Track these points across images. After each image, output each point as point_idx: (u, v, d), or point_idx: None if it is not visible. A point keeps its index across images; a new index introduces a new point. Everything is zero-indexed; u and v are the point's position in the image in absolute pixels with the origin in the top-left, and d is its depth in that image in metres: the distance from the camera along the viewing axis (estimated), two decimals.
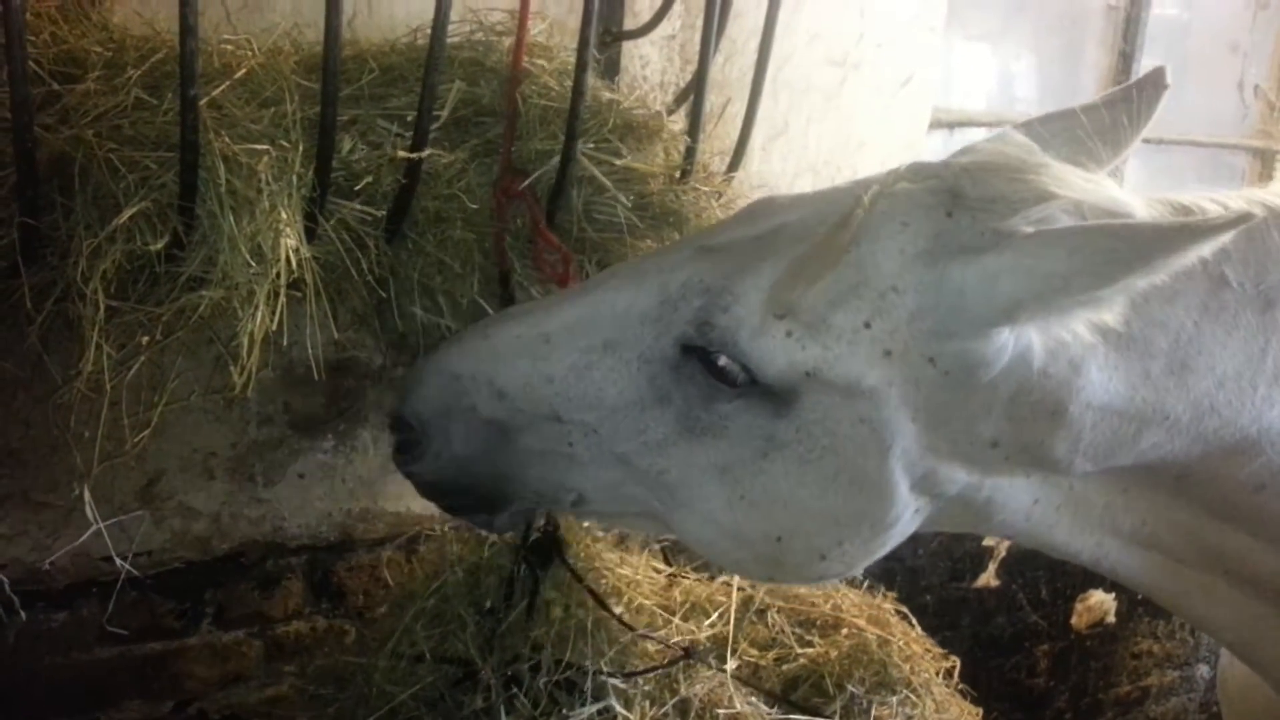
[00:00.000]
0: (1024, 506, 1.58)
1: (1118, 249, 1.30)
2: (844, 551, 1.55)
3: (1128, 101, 1.70)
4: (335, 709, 2.26)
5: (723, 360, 1.48)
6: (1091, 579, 4.64)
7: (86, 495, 1.97)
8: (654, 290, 1.58)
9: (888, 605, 2.61)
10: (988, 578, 4.27)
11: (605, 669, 2.10)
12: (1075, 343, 1.42)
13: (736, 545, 1.58)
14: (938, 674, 2.46)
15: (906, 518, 1.55)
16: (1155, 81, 1.71)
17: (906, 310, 1.42)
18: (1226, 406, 1.49)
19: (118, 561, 2.15)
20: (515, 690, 2.04)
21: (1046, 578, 4.49)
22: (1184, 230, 1.27)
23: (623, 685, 2.10)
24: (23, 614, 2.32)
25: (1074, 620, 4.66)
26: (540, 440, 1.64)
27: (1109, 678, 4.88)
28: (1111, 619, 4.77)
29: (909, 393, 1.44)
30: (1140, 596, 4.78)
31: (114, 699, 2.69)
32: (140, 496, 2.62)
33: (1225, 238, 1.27)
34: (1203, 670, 5.17)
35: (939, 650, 2.56)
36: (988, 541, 4.22)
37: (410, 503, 2.99)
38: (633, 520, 1.77)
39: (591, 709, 2.05)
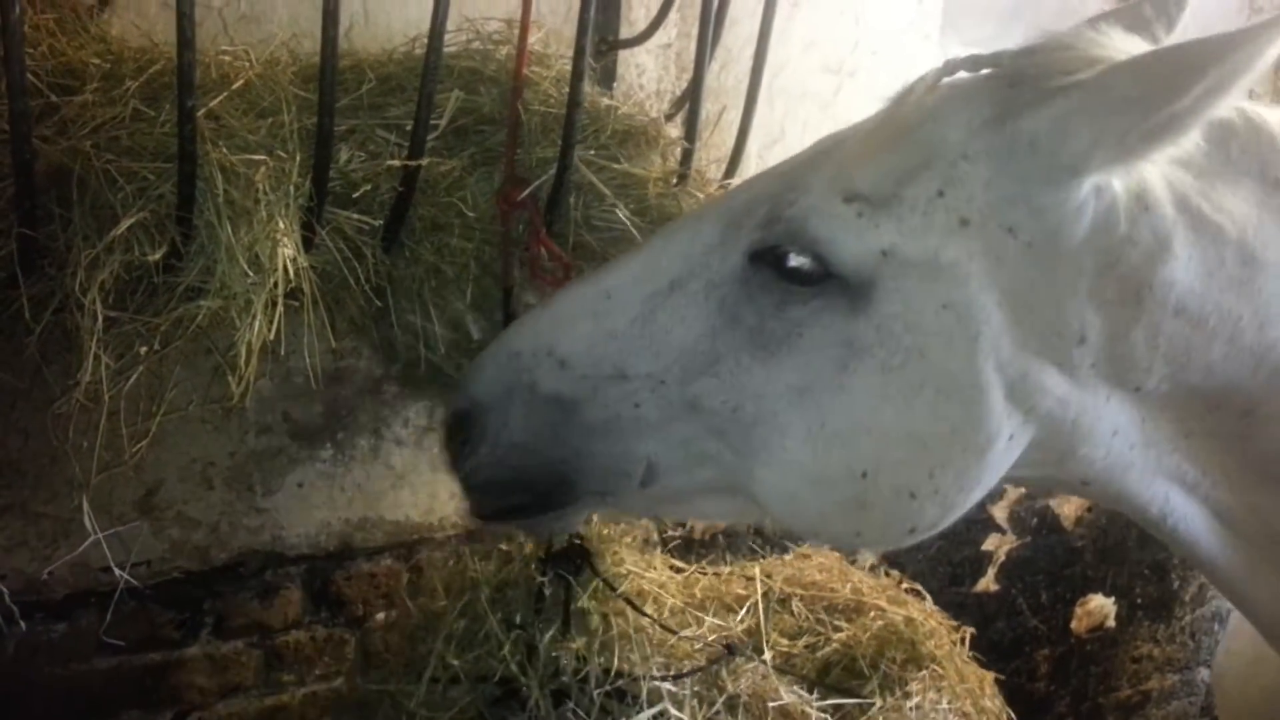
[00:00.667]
0: (1105, 437, 1.50)
1: (1188, 57, 1.26)
2: (935, 487, 1.44)
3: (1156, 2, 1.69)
4: None
5: (793, 258, 1.42)
6: (1091, 583, 4.64)
7: (85, 505, 1.98)
8: (715, 218, 1.54)
9: (903, 585, 2.67)
10: (987, 582, 4.27)
11: (655, 673, 2.10)
12: (1157, 210, 1.37)
13: (818, 491, 1.47)
14: (954, 644, 2.53)
15: (1003, 440, 1.44)
16: None
17: (980, 178, 1.37)
18: None
19: (116, 572, 2.15)
20: (567, 703, 2.03)
21: (1046, 582, 4.49)
22: (1257, 28, 1.22)
23: (674, 688, 2.09)
24: (22, 624, 2.33)
25: (1074, 624, 4.65)
26: (604, 409, 1.54)
27: (1109, 682, 4.88)
28: (1111, 623, 4.76)
29: (992, 271, 1.37)
30: (1140, 600, 4.79)
31: (113, 710, 2.69)
32: (139, 506, 2.62)
33: None
34: (1203, 674, 5.16)
35: (951, 624, 2.63)
36: (988, 546, 4.22)
37: (409, 511, 2.99)
38: (705, 500, 1.64)
39: (648, 714, 2.04)
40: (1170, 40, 1.65)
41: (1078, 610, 4.64)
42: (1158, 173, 1.38)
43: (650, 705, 2.05)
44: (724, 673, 2.18)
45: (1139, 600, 4.81)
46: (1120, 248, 1.37)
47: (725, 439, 1.51)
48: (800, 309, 1.43)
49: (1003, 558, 4.28)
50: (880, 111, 1.59)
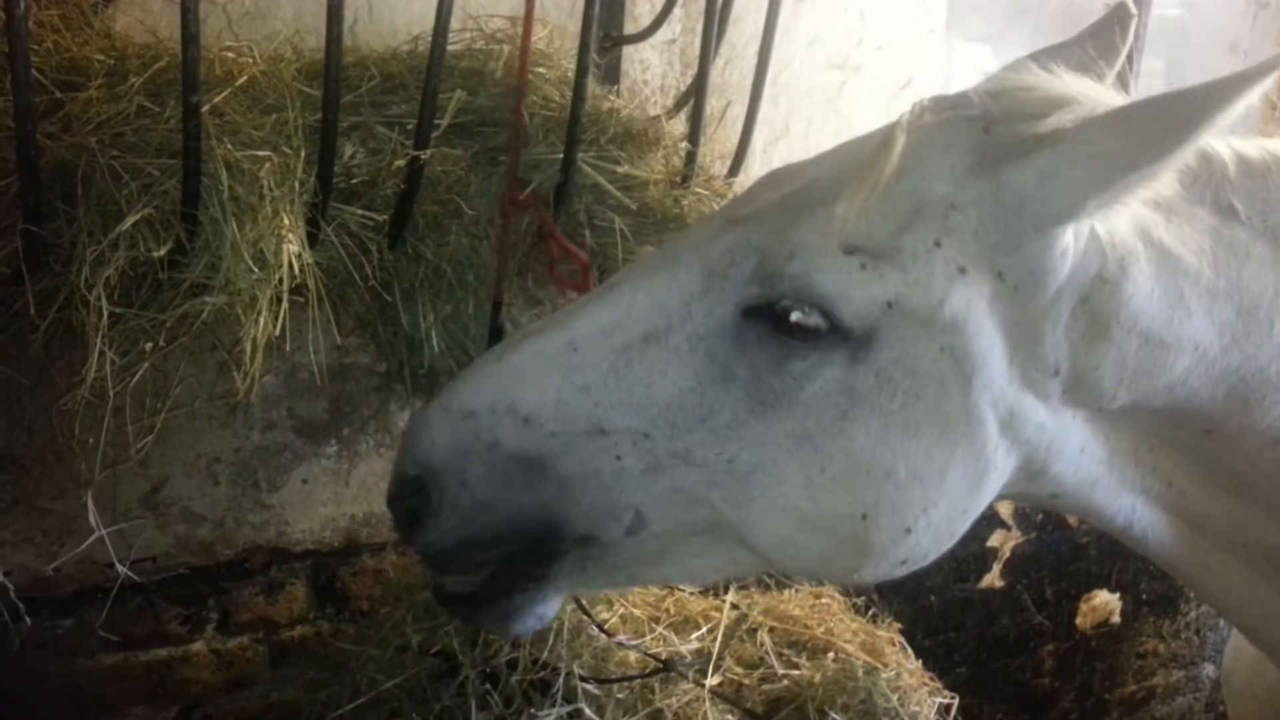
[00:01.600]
0: (1073, 455, 1.55)
1: (1173, 113, 1.30)
2: (930, 521, 1.47)
3: (1104, 33, 1.75)
4: (327, 694, 2.28)
5: (795, 313, 1.41)
6: (1095, 579, 4.63)
7: (89, 502, 1.98)
8: (695, 266, 1.49)
9: (884, 634, 2.54)
10: (992, 579, 4.27)
11: (580, 672, 2.08)
12: (1125, 245, 1.43)
13: (818, 534, 1.47)
14: (934, 712, 2.36)
15: (996, 469, 1.49)
16: (1123, 12, 1.76)
17: (970, 227, 1.41)
18: (1246, 339, 1.49)
19: (121, 568, 2.15)
20: (489, 687, 2.04)
21: (1051, 578, 4.49)
22: (1236, 78, 1.27)
23: (595, 690, 2.08)
24: (28, 620, 2.33)
25: (1079, 620, 4.65)
26: (581, 463, 1.48)
27: (1114, 678, 4.87)
28: (1116, 619, 4.76)
29: (986, 313, 1.42)
30: (1145, 596, 4.79)
31: (119, 705, 2.70)
32: (144, 502, 2.62)
33: (1274, 75, 1.27)
34: (1209, 669, 5.15)
35: (936, 684, 2.48)
36: (992, 542, 4.22)
37: None
38: (698, 546, 1.58)
39: (561, 710, 2.03)
40: (1110, 78, 1.71)
41: (1083, 606, 4.64)
42: (1126, 209, 1.43)
43: (567, 702, 2.04)
44: (657, 687, 2.14)
45: (1144, 596, 4.80)
46: (1093, 284, 1.43)
47: (719, 487, 1.49)
48: (800, 363, 1.42)
49: (1008, 554, 4.28)
50: (844, 150, 1.60)
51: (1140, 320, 1.46)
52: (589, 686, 2.09)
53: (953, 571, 4.11)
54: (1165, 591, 4.83)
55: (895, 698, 2.28)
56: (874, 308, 1.40)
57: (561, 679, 2.05)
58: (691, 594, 2.50)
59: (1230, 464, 1.59)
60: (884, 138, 1.47)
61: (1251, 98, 1.27)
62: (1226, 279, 1.48)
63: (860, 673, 2.32)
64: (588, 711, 2.05)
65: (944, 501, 1.47)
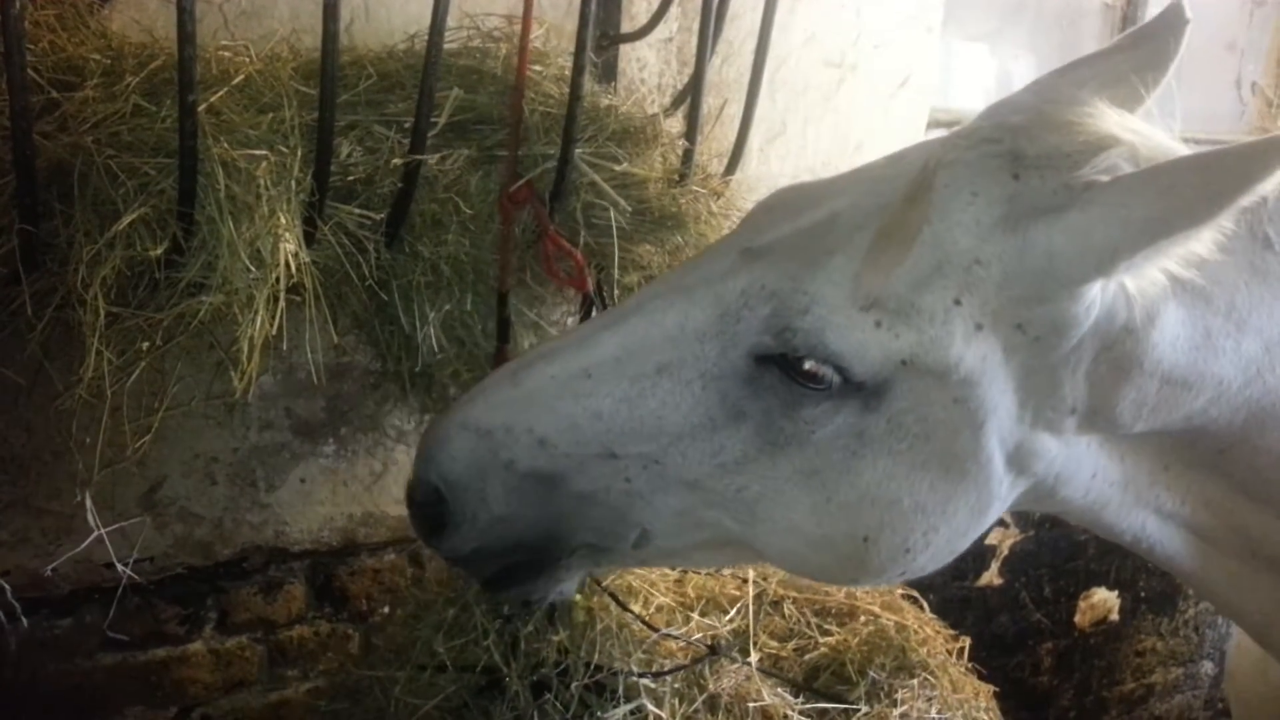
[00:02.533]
0: (1084, 480, 1.55)
1: (1211, 180, 1.26)
2: (929, 542, 1.49)
3: (1150, 40, 1.66)
4: None
5: (809, 364, 1.41)
6: (1094, 576, 4.64)
7: (88, 501, 1.98)
8: (708, 303, 1.49)
9: (898, 590, 2.63)
10: (991, 576, 4.27)
11: (635, 670, 2.10)
12: (1151, 292, 1.39)
13: (820, 551, 1.52)
14: (950, 654, 2.50)
15: (1001, 497, 1.50)
16: (1176, 16, 1.65)
17: (993, 281, 1.38)
18: (1270, 373, 1.47)
19: (119, 567, 2.15)
20: (546, 696, 2.03)
21: (1050, 576, 4.49)
22: (1271, 146, 1.22)
23: (653, 685, 2.10)
24: (24, 620, 2.33)
25: (1077, 618, 4.65)
26: (592, 482, 1.53)
27: (1113, 675, 4.88)
28: (1115, 616, 4.76)
29: (1001, 363, 1.41)
30: (1144, 594, 4.79)
31: (117, 705, 2.70)
32: (142, 502, 2.62)
33: None
34: (1207, 667, 5.16)
35: (949, 632, 2.60)
36: (991, 540, 4.22)
37: None
38: (702, 553, 1.67)
39: (624, 709, 2.04)
40: (1155, 93, 1.64)
41: (1081, 604, 4.64)
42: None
43: (628, 700, 2.06)
44: (706, 672, 2.17)
45: (1142, 594, 4.81)
46: (1118, 335, 1.41)
47: (727, 510, 1.53)
48: (813, 409, 1.43)
49: (1006, 551, 4.28)
50: (867, 177, 1.57)
51: (1164, 364, 1.44)
52: (647, 682, 2.10)
53: (951, 569, 4.10)
54: (1164, 589, 4.84)
55: (924, 650, 2.39)
56: (889, 365, 1.40)
57: (621, 678, 2.06)
58: (712, 574, 2.53)
59: (1244, 476, 1.58)
60: (910, 185, 1.44)
61: None
62: (1257, 314, 1.45)
63: (892, 631, 2.41)
64: (650, 706, 2.06)
65: (946, 528, 1.49)
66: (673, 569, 2.47)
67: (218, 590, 2.78)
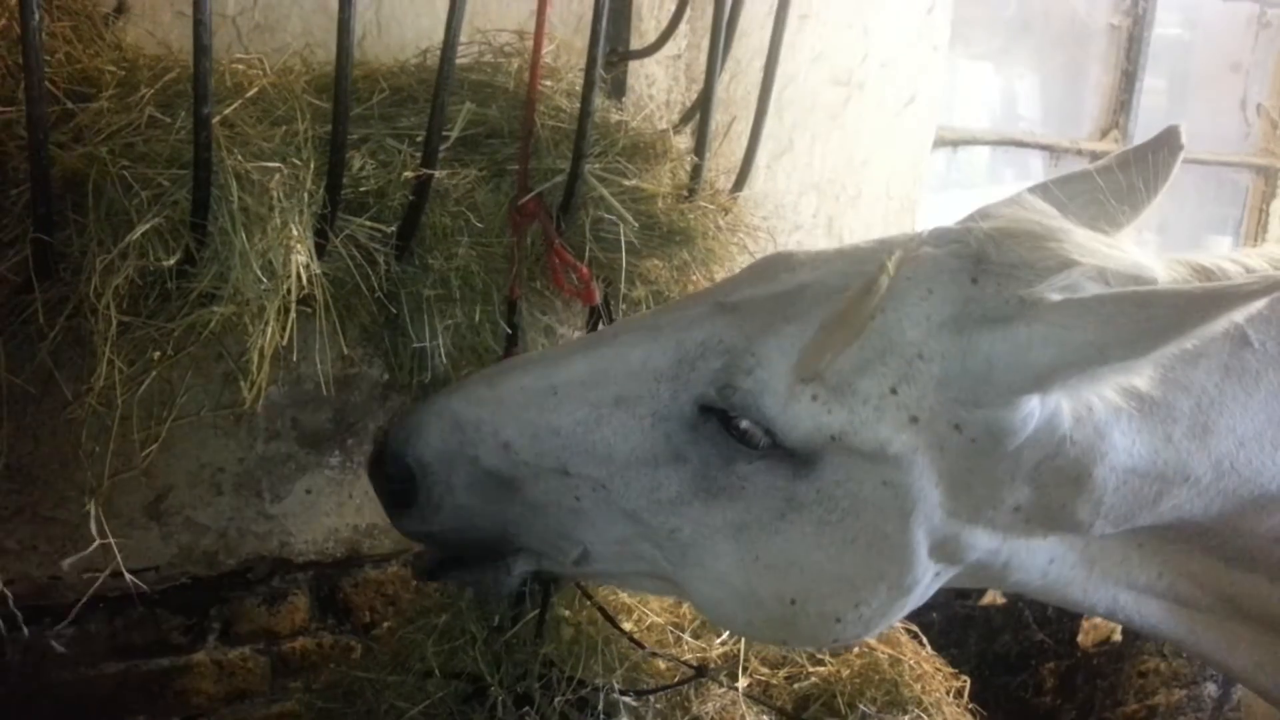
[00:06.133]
0: (1040, 566, 1.57)
1: (1152, 317, 1.29)
2: (859, 615, 1.52)
3: (1142, 163, 1.67)
4: None
5: (745, 423, 1.46)
6: None
7: (95, 510, 1.98)
8: (670, 347, 1.55)
9: (898, 624, 2.60)
10: (994, 595, 4.26)
11: (617, 687, 2.10)
12: (1100, 408, 1.41)
13: (747, 607, 1.55)
14: (948, 693, 2.47)
15: (926, 582, 1.53)
16: (1170, 141, 1.67)
17: (933, 378, 1.41)
18: (1247, 466, 1.48)
19: (129, 577, 2.15)
20: (527, 709, 2.04)
21: None
22: (1217, 297, 1.26)
23: (635, 703, 2.10)
24: (25, 630, 2.32)
25: (1080, 638, 4.64)
26: (545, 493, 1.60)
27: (1116, 696, 4.86)
28: (1118, 637, 4.75)
29: (934, 458, 1.43)
30: None
31: (120, 715, 2.69)
32: (148, 512, 2.63)
33: (1259, 304, 1.25)
34: (1210, 689, 5.14)
35: (949, 669, 2.57)
36: None
37: None
38: (638, 581, 1.73)
39: None
40: (1148, 208, 1.66)
41: (1084, 624, 4.63)
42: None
43: (609, 717, 2.07)
44: (691, 694, 2.17)
45: None
46: (1060, 445, 1.43)
47: (661, 549, 1.58)
48: (745, 466, 1.48)
49: None
50: (850, 255, 1.59)
51: (1118, 471, 1.45)
52: (629, 700, 2.10)
53: (954, 588, 4.11)
54: None
55: (918, 686, 2.37)
56: (819, 437, 1.43)
57: (602, 694, 2.06)
58: None
59: (1230, 554, 1.58)
60: (875, 272, 1.47)
61: (1235, 315, 1.25)
62: (1228, 413, 1.46)
63: (885, 664, 2.39)
64: None
65: (876, 601, 1.52)
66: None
67: (222, 601, 2.78)
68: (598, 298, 2.31)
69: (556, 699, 2.05)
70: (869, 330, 1.43)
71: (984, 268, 1.44)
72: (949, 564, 1.54)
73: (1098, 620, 4.66)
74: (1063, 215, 1.50)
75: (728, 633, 2.38)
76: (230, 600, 2.79)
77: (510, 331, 2.30)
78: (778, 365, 1.45)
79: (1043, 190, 1.63)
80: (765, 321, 1.51)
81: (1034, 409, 1.39)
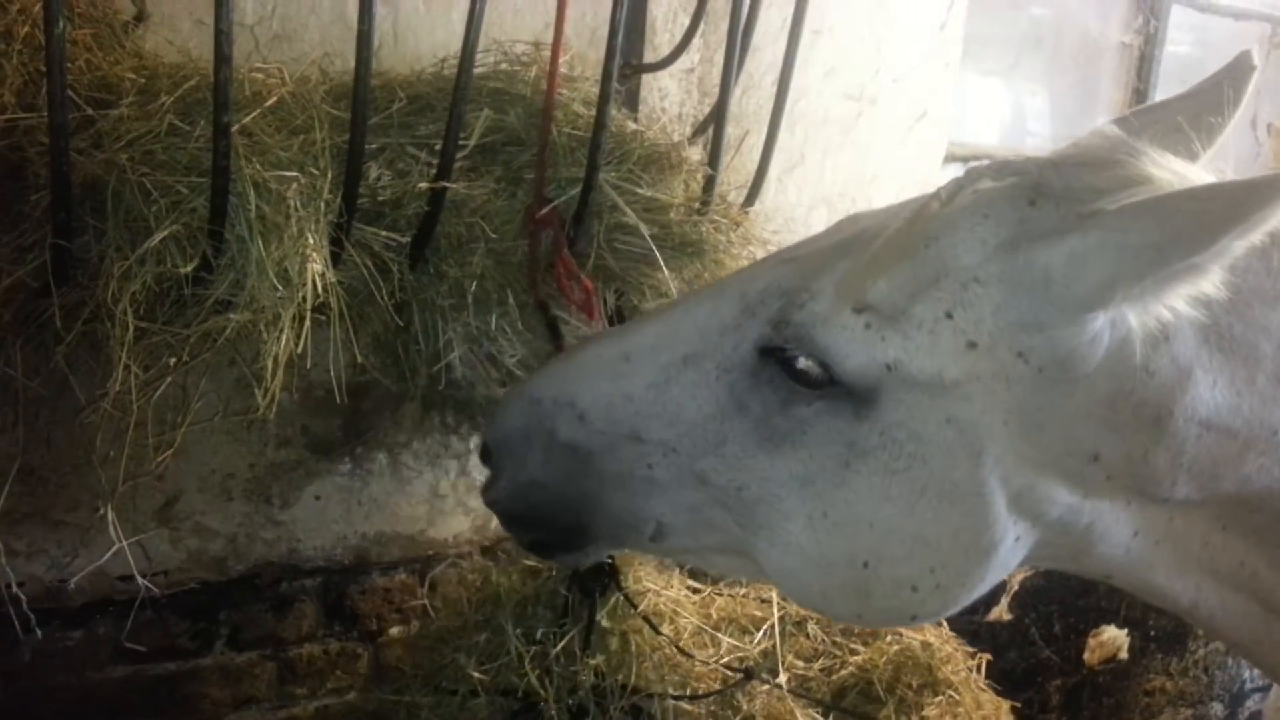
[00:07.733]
0: (1124, 538, 1.49)
1: (1208, 211, 1.22)
2: (936, 582, 1.45)
3: (1217, 89, 1.63)
4: None
5: (801, 360, 1.43)
6: (1104, 614, 4.61)
7: (110, 515, 2.00)
8: (734, 300, 1.55)
9: None
10: (1000, 611, 4.25)
11: (672, 693, 2.11)
12: (1178, 339, 1.34)
13: (820, 573, 1.49)
14: (970, 671, 2.54)
15: (1007, 544, 1.45)
16: (1242, 65, 1.63)
17: (991, 302, 1.36)
18: None
19: (139, 580, 2.16)
20: (585, 719, 2.05)
21: (1059, 612, 4.47)
22: (1275, 181, 1.18)
23: (689, 707, 2.12)
24: (38, 632, 2.33)
25: (1087, 656, 4.62)
26: (619, 463, 1.60)
27: (1121, 714, 4.83)
28: (1124, 655, 4.73)
29: (999, 392, 1.37)
30: (1153, 632, 4.76)
31: (126, 718, 2.70)
32: (158, 516, 2.63)
33: None
34: (1216, 709, 5.11)
35: (967, 649, 2.63)
36: None
37: (424, 527, 3.00)
38: (714, 558, 1.70)
39: None
40: (1219, 139, 1.62)
41: (1090, 641, 4.61)
42: (1182, 296, 1.35)
43: None
44: (739, 695, 2.18)
45: (1152, 632, 4.78)
46: (1135, 376, 1.35)
47: (731, 512, 1.54)
48: (805, 408, 1.44)
49: (1016, 587, 4.26)
50: (904, 207, 1.57)
51: (1201, 413, 1.37)
52: (683, 704, 2.13)
53: None
54: (1174, 628, 4.81)
55: (947, 668, 2.42)
56: (873, 368, 1.40)
57: (658, 702, 2.08)
58: (730, 597, 2.54)
59: None
60: (917, 207, 1.46)
61: None
62: None
63: (919, 649, 2.44)
64: None
65: (953, 566, 1.45)
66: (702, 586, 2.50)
67: (230, 606, 2.78)
68: (598, 313, 2.32)
69: (612, 708, 2.07)
70: (922, 256, 1.39)
71: (1043, 191, 1.39)
72: (1030, 522, 1.45)
73: (1104, 638, 4.64)
74: (1131, 142, 1.44)
75: (761, 631, 2.40)
76: (238, 605, 2.79)
77: (551, 324, 2.32)
78: (830, 295, 1.44)
79: (1122, 122, 1.59)
80: (823, 262, 1.50)
81: (1102, 331, 1.33)
